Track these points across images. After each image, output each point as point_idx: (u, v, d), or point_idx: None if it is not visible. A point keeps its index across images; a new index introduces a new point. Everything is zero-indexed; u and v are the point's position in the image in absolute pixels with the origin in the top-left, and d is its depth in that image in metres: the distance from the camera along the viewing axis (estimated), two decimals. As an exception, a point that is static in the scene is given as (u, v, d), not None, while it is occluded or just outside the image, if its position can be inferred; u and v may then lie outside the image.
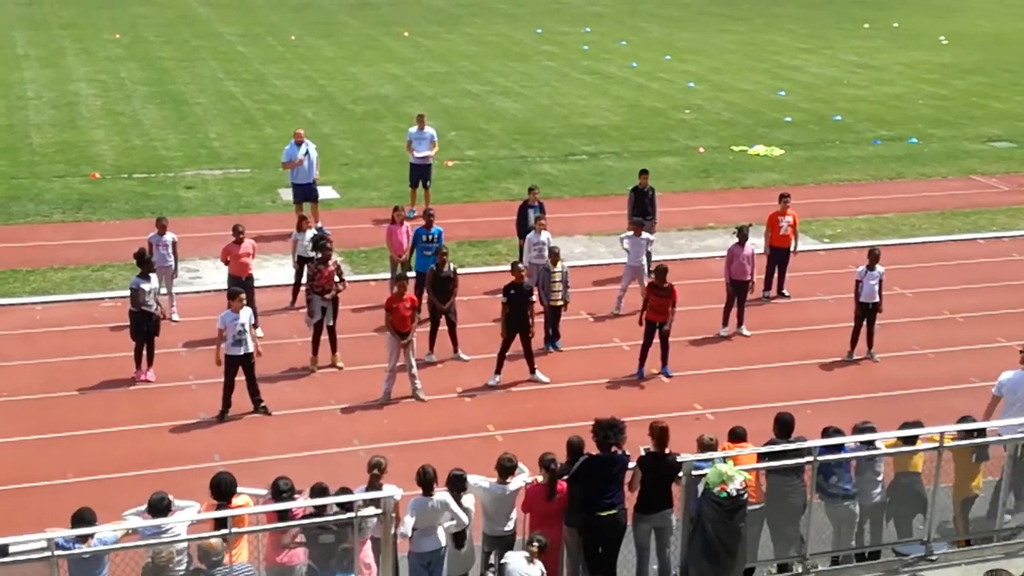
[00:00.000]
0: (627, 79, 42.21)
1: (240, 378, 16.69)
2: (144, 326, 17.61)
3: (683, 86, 41.13)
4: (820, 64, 46.35)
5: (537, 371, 18.11)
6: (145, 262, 17.82)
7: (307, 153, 23.99)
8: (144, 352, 17.80)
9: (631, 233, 20.56)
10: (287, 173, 24.58)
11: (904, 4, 64.74)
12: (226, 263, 19.31)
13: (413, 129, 25.97)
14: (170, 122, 34.02)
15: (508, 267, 21.65)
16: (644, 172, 22.47)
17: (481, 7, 59.71)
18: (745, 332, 20.01)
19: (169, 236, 19.73)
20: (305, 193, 24.18)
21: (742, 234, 19.76)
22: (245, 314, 16.54)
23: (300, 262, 20.17)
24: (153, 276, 17.90)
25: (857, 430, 12.81)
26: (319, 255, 18.31)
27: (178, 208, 26.08)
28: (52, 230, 24.64)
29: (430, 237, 19.65)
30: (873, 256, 18.80)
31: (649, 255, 21.28)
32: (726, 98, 39.28)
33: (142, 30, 50.30)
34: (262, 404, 16.86)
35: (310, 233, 20.05)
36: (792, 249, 21.34)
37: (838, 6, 63.43)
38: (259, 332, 19.05)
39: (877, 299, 18.83)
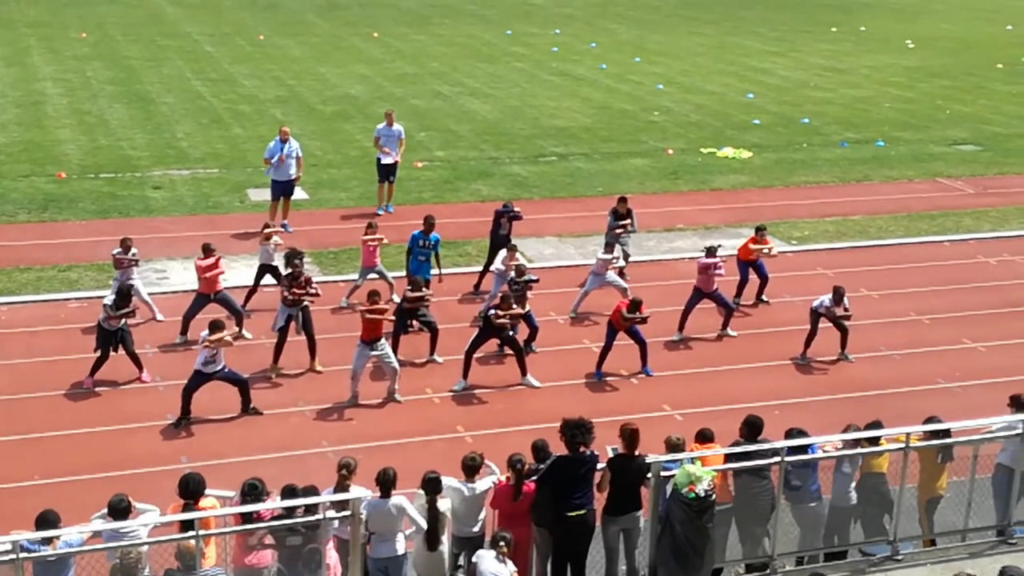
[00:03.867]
0: (597, 81, 42.31)
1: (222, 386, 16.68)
2: (111, 341, 17.45)
3: (652, 88, 41.26)
4: (788, 67, 46.63)
5: (528, 375, 18.11)
6: (123, 297, 17.50)
7: (290, 152, 24.26)
8: (128, 360, 17.63)
9: (607, 255, 20.60)
10: (264, 170, 24.72)
11: (871, 8, 65.25)
12: (211, 282, 19.03)
13: (381, 125, 26.16)
14: (137, 122, 33.79)
15: (478, 268, 21.86)
16: (623, 199, 22.40)
17: (451, 8, 59.70)
18: (731, 333, 20.12)
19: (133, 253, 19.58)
20: (283, 189, 24.45)
21: (710, 252, 19.85)
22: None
23: (261, 270, 20.19)
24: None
25: (847, 431, 12.88)
26: (290, 271, 18.19)
27: (145, 208, 25.93)
28: (17, 230, 24.41)
29: (426, 243, 19.68)
30: (837, 295, 18.91)
31: (627, 255, 21.82)
32: (695, 100, 39.45)
33: (109, 29, 49.95)
34: (252, 406, 16.82)
35: (269, 248, 20.06)
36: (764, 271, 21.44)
37: (806, 10, 63.85)
38: (247, 334, 19.01)
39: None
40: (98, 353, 17.43)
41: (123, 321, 17.55)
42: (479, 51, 47.99)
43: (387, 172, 25.93)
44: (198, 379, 16.44)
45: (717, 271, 19.72)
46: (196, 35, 49.51)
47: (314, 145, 31.25)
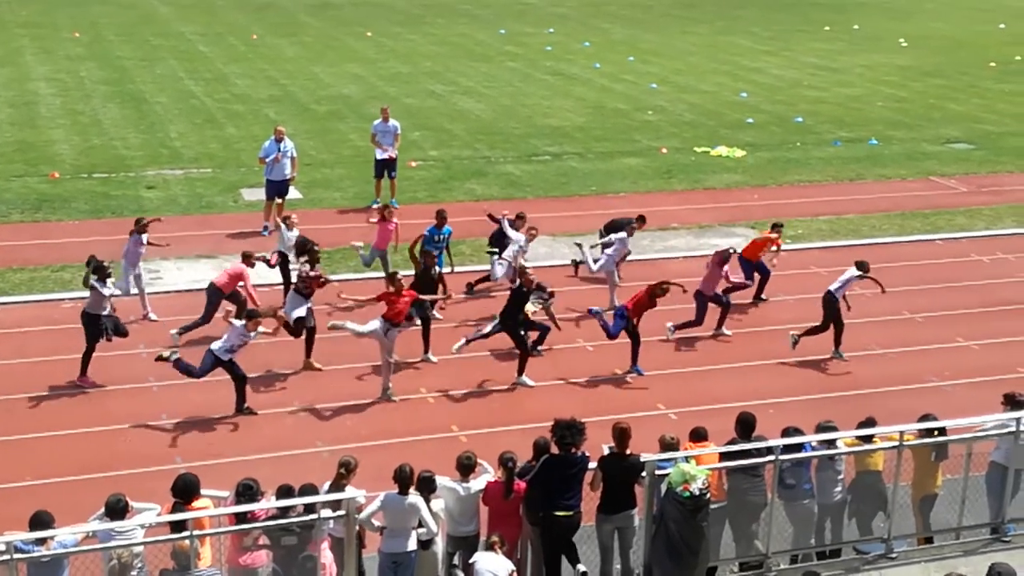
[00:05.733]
0: (590, 80, 42.31)
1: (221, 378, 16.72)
2: (99, 329, 17.39)
3: (646, 87, 41.27)
4: (781, 66, 46.66)
5: (523, 375, 18.10)
6: (100, 268, 17.46)
7: (285, 151, 24.29)
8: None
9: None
10: (259, 171, 24.86)
11: (864, 7, 65.30)
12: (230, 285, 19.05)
13: (377, 122, 26.49)
14: (130, 121, 33.75)
15: (472, 267, 21.90)
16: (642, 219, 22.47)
17: (444, 7, 59.66)
18: (726, 332, 20.10)
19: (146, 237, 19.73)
20: (278, 189, 24.49)
21: (725, 258, 19.95)
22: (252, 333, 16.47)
23: (282, 257, 20.17)
24: (110, 282, 17.60)
25: (819, 429, 12.92)
26: (306, 259, 18.09)
27: (139, 208, 25.85)
28: (10, 230, 24.36)
29: (440, 237, 19.87)
30: (862, 267, 19.01)
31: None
32: (689, 99, 39.46)
33: (102, 29, 49.88)
34: (246, 406, 16.80)
35: (293, 233, 20.09)
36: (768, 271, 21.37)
37: (799, 9, 63.87)
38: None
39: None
40: (86, 347, 17.35)
41: (109, 308, 17.50)
42: (472, 50, 47.97)
43: (383, 167, 26.17)
44: (213, 361, 16.38)
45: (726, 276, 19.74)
46: (189, 35, 49.45)
47: (308, 145, 31.23)
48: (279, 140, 24.39)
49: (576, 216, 26.15)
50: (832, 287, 19.08)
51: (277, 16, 55.58)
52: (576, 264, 22.45)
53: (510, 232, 20.30)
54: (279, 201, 24.60)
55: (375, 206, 26.03)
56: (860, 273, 19.03)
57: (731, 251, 20.33)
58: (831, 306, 19.00)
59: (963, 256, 24.77)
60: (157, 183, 27.92)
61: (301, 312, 17.80)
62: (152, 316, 19.75)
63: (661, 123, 35.93)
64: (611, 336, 18.29)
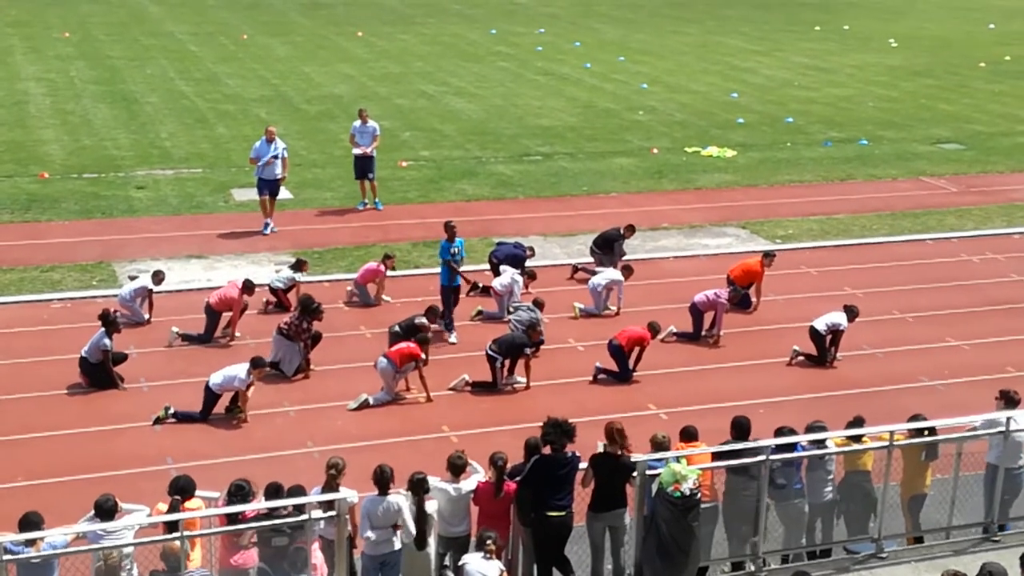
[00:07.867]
0: (581, 80, 42.32)
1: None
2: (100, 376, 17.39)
3: (637, 87, 41.30)
4: (772, 66, 46.72)
5: (515, 374, 18.04)
6: (110, 323, 17.41)
7: (276, 151, 24.26)
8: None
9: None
10: (250, 170, 24.89)
11: (854, 7, 65.45)
12: (220, 306, 19.06)
13: (357, 123, 26.41)
14: (120, 121, 33.66)
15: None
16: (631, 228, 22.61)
17: (435, 7, 59.66)
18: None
19: (137, 284, 19.71)
20: (269, 187, 24.45)
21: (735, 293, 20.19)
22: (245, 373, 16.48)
23: (273, 292, 20.37)
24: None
25: (808, 429, 12.94)
26: (307, 318, 17.96)
27: (129, 208, 25.83)
28: (0, 230, 24.30)
29: (456, 249, 19.69)
30: (852, 313, 18.90)
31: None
32: (679, 99, 39.49)
33: (92, 28, 49.77)
34: (237, 406, 16.75)
35: (287, 272, 20.46)
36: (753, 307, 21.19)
37: (789, 9, 64.00)
38: (237, 333, 19.12)
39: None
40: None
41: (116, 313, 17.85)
42: (464, 50, 47.96)
43: (361, 167, 26.07)
44: (213, 397, 16.47)
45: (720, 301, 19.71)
46: (179, 34, 49.37)
47: (299, 145, 31.19)
48: (270, 140, 24.33)
49: (567, 216, 26.15)
50: (818, 326, 18.86)
51: (268, 15, 55.53)
52: (575, 268, 22.46)
53: (502, 279, 20.43)
54: (271, 200, 24.55)
55: (361, 208, 26.05)
56: (847, 325, 18.85)
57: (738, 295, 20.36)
58: (818, 340, 18.90)
59: (953, 256, 24.81)
60: (147, 183, 27.85)
61: (296, 363, 17.84)
62: (145, 315, 19.70)
63: (652, 123, 35.96)
64: (625, 377, 18.14)
